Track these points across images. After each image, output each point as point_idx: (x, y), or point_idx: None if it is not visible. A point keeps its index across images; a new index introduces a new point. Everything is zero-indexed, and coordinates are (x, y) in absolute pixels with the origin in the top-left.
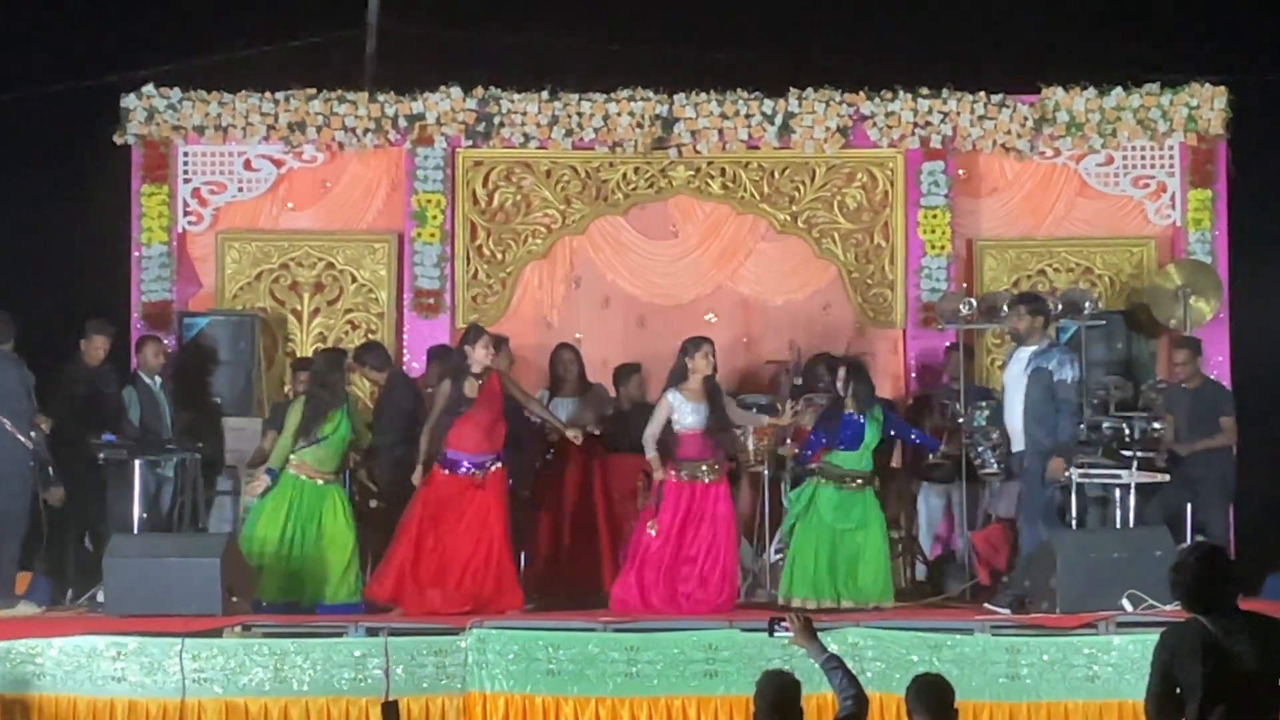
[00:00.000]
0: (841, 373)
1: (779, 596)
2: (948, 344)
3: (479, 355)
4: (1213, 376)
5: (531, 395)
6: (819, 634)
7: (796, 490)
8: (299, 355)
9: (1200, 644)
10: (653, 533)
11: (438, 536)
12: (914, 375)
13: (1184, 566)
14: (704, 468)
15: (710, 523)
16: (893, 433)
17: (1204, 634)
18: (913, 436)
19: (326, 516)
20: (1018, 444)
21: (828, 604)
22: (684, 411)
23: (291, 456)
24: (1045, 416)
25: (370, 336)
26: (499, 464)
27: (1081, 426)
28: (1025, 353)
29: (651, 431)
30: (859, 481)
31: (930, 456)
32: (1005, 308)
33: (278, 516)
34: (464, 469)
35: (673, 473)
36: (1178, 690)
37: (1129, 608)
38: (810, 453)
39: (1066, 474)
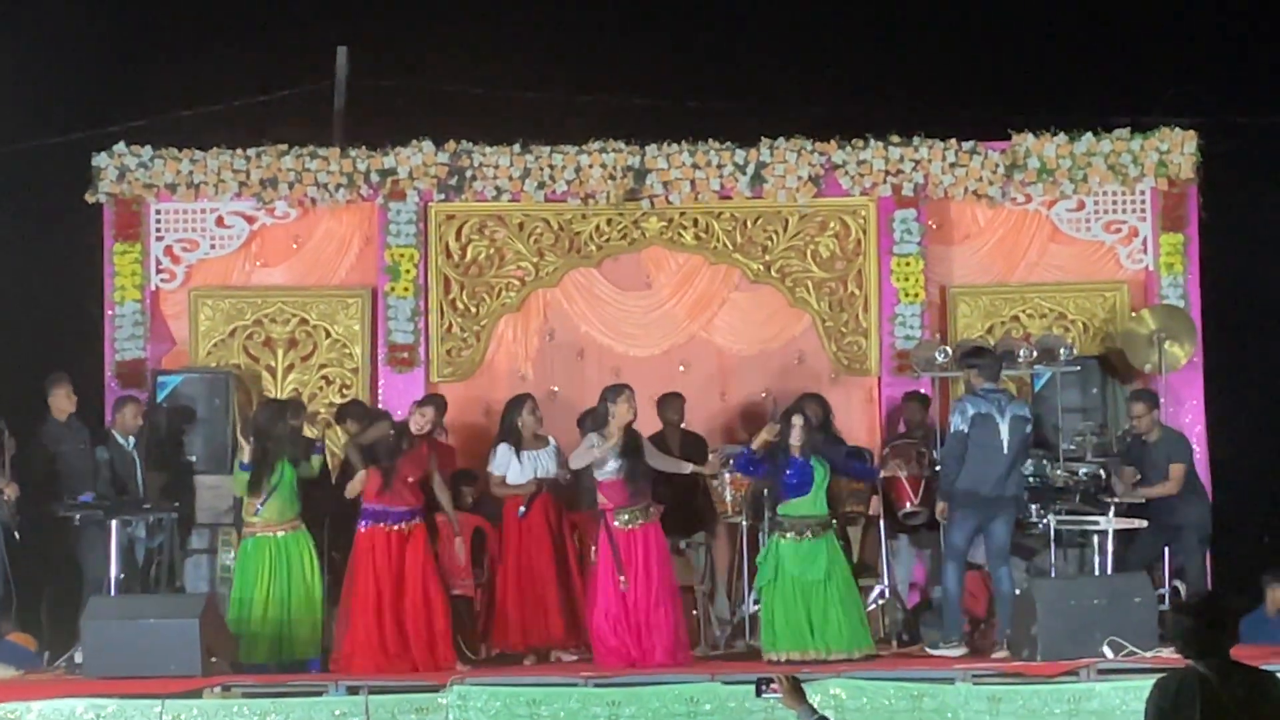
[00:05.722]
0: (798, 420)
1: (763, 652)
2: (905, 392)
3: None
4: (1170, 426)
5: None
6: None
7: (761, 553)
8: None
9: (1199, 691)
10: (624, 588)
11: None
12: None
13: (1185, 611)
14: (630, 514)
15: (646, 569)
16: (835, 467)
17: (1202, 682)
18: (853, 467)
19: (294, 569)
20: None
21: (811, 655)
22: (606, 458)
23: (255, 518)
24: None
25: (345, 393)
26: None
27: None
28: None
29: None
30: (817, 528)
31: (908, 505)
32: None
33: (259, 579)
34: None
35: (613, 521)
36: None
37: (1110, 654)
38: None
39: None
